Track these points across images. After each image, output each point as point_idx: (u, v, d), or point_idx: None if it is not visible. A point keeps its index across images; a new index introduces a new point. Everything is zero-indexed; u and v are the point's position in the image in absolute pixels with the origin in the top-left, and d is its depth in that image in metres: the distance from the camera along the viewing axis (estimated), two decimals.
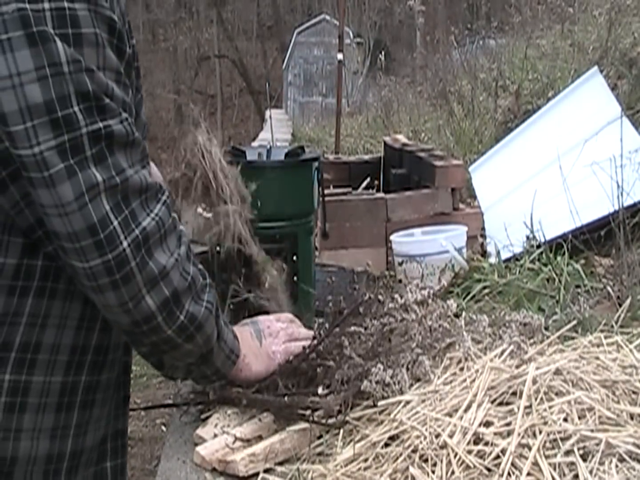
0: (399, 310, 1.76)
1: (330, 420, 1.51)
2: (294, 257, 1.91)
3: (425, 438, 1.37)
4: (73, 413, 1.35)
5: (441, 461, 1.32)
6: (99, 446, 1.43)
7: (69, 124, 1.14)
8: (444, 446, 1.34)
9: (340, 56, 7.01)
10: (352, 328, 1.66)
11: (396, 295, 1.80)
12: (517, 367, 1.55)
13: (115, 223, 1.19)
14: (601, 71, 4.14)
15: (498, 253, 2.60)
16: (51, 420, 1.32)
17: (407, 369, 1.59)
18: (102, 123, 1.17)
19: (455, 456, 1.32)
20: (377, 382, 1.52)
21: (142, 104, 1.38)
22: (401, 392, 1.54)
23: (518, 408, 1.40)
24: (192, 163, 1.70)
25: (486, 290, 2.28)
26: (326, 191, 2.18)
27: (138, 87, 1.36)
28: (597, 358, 1.60)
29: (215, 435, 1.53)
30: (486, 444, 1.34)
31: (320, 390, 1.52)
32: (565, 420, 1.38)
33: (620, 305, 2.02)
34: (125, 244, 1.20)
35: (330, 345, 1.62)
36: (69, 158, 1.15)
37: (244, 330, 1.58)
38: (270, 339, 1.60)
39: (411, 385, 1.58)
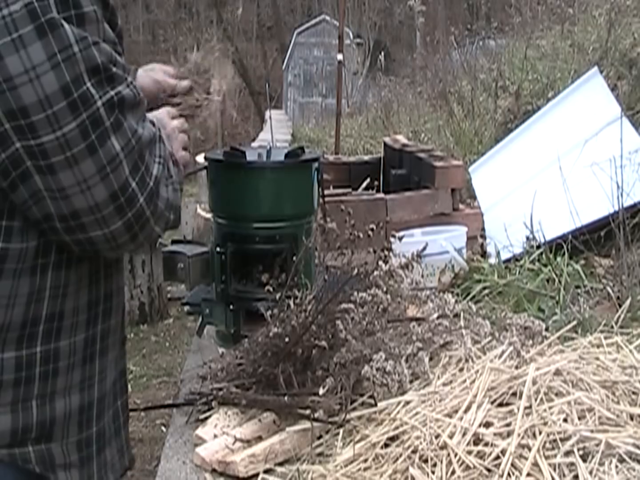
0: (384, 279, 1.77)
1: (331, 419, 1.51)
2: (294, 258, 1.90)
3: (425, 438, 1.37)
4: (95, 362, 1.43)
5: (441, 462, 1.32)
6: (113, 387, 1.51)
7: (86, 101, 1.21)
8: (444, 447, 1.34)
9: (340, 57, 6.99)
10: (343, 305, 1.65)
11: (380, 262, 1.81)
12: (517, 367, 1.55)
13: (134, 184, 1.28)
14: (601, 72, 4.14)
15: (498, 253, 2.61)
16: (79, 375, 1.40)
17: (407, 361, 1.59)
18: (113, 91, 1.25)
19: (455, 457, 1.32)
20: (377, 369, 1.53)
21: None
22: (401, 385, 1.54)
23: (518, 409, 1.40)
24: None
25: (486, 291, 2.28)
26: (326, 192, 2.17)
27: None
28: (597, 359, 1.60)
29: (215, 436, 1.54)
30: (486, 444, 1.34)
31: (320, 391, 1.52)
32: (565, 420, 1.38)
33: (620, 306, 2.03)
34: (142, 200, 1.30)
35: (324, 320, 1.61)
36: (90, 134, 1.22)
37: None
38: (176, 143, 1.61)
39: (411, 381, 1.58)
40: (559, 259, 2.40)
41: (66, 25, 1.20)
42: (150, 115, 1.60)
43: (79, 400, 1.40)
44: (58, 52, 1.19)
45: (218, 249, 1.95)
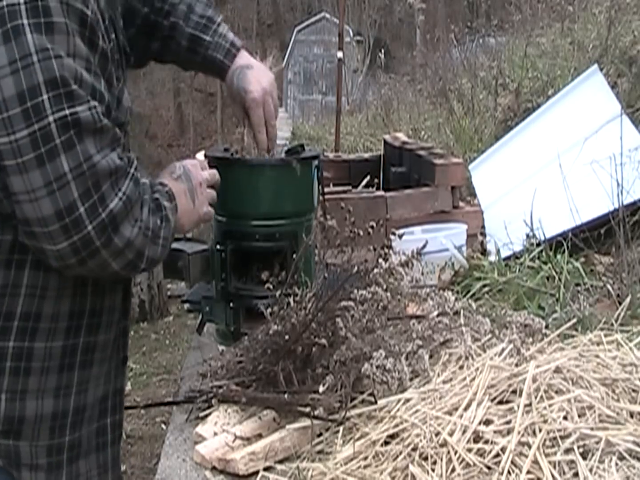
0: (384, 276, 1.77)
1: (331, 416, 1.51)
2: (294, 256, 1.90)
3: (425, 436, 1.37)
4: (74, 372, 1.46)
5: (441, 459, 1.32)
6: (100, 403, 1.53)
7: (38, 113, 1.24)
8: (443, 444, 1.34)
9: (340, 54, 6.99)
10: (343, 303, 1.65)
11: (380, 260, 1.81)
12: (517, 365, 1.55)
13: (82, 209, 1.28)
14: (601, 69, 4.13)
15: (498, 251, 2.60)
16: (54, 381, 1.43)
17: (407, 358, 1.59)
18: (69, 110, 1.26)
19: (455, 454, 1.32)
20: (377, 367, 1.53)
21: (124, 92, 1.48)
22: (401, 383, 1.54)
23: (518, 406, 1.40)
24: None
25: (486, 289, 2.28)
26: (326, 189, 2.17)
27: (118, 76, 1.45)
28: (597, 356, 1.60)
29: (215, 434, 1.54)
30: (486, 442, 1.34)
31: (320, 388, 1.52)
32: (565, 418, 1.38)
33: (620, 304, 2.03)
34: (90, 227, 1.30)
35: (324, 317, 1.61)
36: (40, 147, 1.25)
37: (179, 188, 1.59)
38: (201, 197, 1.63)
39: (411, 378, 1.58)
40: (559, 256, 2.40)
41: (29, 34, 1.23)
42: (179, 163, 1.63)
43: (53, 407, 1.43)
44: (18, 59, 1.23)
45: (218, 246, 1.95)
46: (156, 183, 1.54)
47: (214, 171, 1.71)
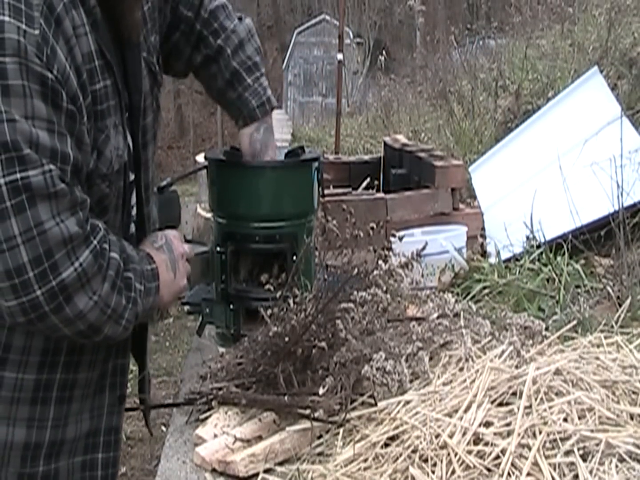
0: (384, 278, 1.77)
1: (331, 418, 1.51)
2: (294, 257, 1.90)
3: (425, 438, 1.37)
4: (49, 407, 1.46)
5: (441, 461, 1.32)
6: (86, 438, 1.54)
7: None
8: (444, 446, 1.34)
9: (340, 56, 6.99)
10: (343, 305, 1.65)
11: (380, 262, 1.82)
12: (517, 367, 1.55)
13: (31, 274, 1.28)
14: (601, 71, 4.13)
15: (498, 253, 2.60)
16: (26, 412, 1.44)
17: (407, 360, 1.59)
18: (20, 174, 1.25)
19: (455, 456, 1.32)
20: (377, 369, 1.53)
21: (107, 143, 1.43)
22: (401, 385, 1.54)
23: (518, 408, 1.40)
24: None
25: (486, 291, 2.28)
26: (326, 191, 2.17)
27: (102, 127, 1.41)
28: (597, 358, 1.60)
29: (215, 436, 1.53)
30: (486, 444, 1.34)
31: (320, 390, 1.52)
32: (565, 420, 1.38)
33: (620, 306, 2.03)
34: (39, 292, 1.29)
35: (324, 319, 1.61)
36: None
37: (161, 259, 1.59)
38: (182, 269, 1.63)
39: (411, 380, 1.58)
40: (559, 258, 2.40)
41: None
42: (161, 233, 1.63)
43: (25, 437, 1.44)
44: None
45: (218, 248, 1.95)
46: (143, 257, 1.53)
47: (191, 245, 1.73)
